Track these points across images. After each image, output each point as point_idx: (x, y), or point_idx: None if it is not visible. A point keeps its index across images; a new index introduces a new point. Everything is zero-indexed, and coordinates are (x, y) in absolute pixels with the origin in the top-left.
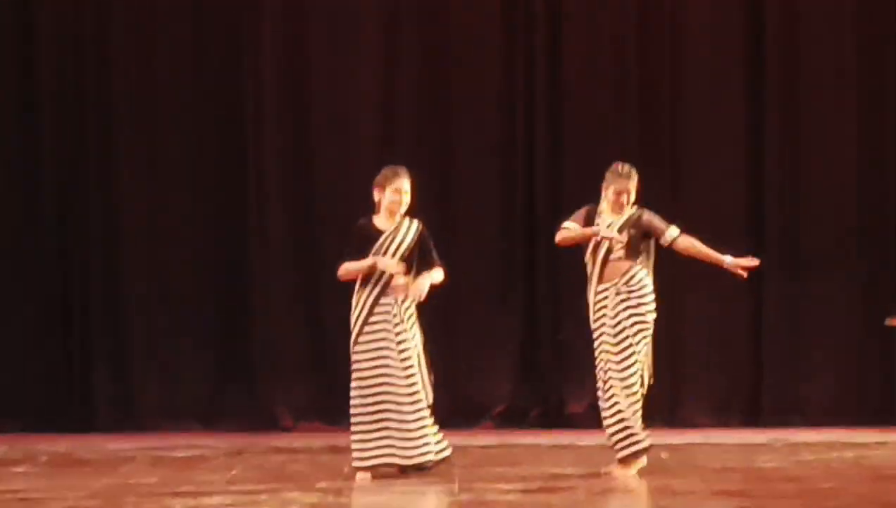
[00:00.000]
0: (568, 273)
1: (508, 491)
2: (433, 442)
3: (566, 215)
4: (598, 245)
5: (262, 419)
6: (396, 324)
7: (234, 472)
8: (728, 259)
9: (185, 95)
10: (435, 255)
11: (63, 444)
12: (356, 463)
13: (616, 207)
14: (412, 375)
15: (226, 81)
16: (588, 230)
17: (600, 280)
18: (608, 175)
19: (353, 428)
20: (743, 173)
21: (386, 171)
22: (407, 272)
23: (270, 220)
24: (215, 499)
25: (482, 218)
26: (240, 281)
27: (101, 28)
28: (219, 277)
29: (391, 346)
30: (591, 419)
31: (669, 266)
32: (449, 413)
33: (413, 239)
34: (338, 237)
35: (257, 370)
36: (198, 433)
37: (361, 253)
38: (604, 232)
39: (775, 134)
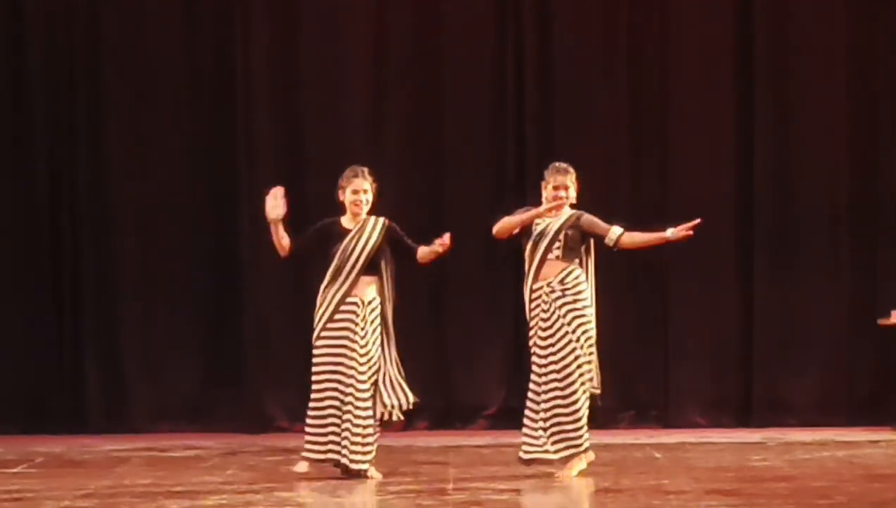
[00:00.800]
0: None
1: (502, 491)
2: (373, 452)
3: None
4: (538, 240)
5: (256, 420)
6: (362, 327)
7: (229, 472)
8: (670, 231)
9: (178, 95)
10: (409, 240)
11: (58, 445)
12: (305, 454)
13: (554, 202)
14: (370, 379)
15: (216, 78)
16: (529, 213)
17: (536, 278)
18: (546, 173)
19: (307, 421)
20: (732, 173)
21: (347, 171)
22: (376, 272)
23: (261, 220)
24: (210, 500)
25: (473, 217)
26: (232, 282)
27: (92, 19)
28: (211, 278)
29: (353, 347)
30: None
31: (657, 266)
32: (442, 414)
33: (379, 237)
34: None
35: (251, 370)
36: (192, 434)
37: (326, 250)
38: (545, 209)
39: (765, 133)
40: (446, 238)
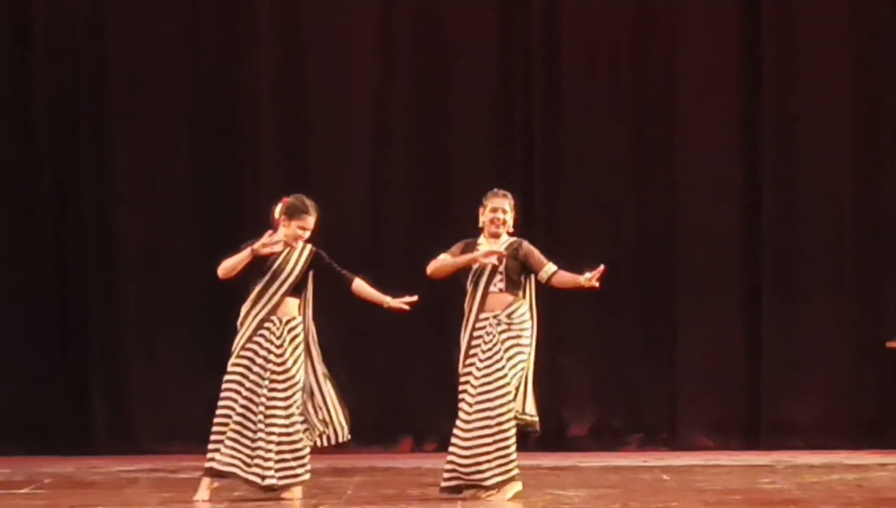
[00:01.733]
0: (566, 296)
1: None
2: (292, 467)
3: (564, 228)
4: (479, 274)
5: None
6: (278, 345)
7: (236, 493)
8: (583, 278)
9: (184, 111)
10: (339, 269)
11: (66, 466)
12: (209, 464)
13: (492, 227)
14: (291, 397)
15: (221, 96)
16: (463, 258)
17: (481, 310)
18: (485, 198)
19: (211, 437)
20: (739, 196)
21: (295, 202)
22: (300, 293)
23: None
24: None
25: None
26: (237, 304)
27: (97, 32)
28: (216, 300)
29: (268, 367)
30: (593, 442)
31: (665, 288)
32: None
33: (305, 263)
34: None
35: None
36: (200, 456)
37: (257, 269)
38: (482, 256)
39: (772, 156)
40: (408, 302)
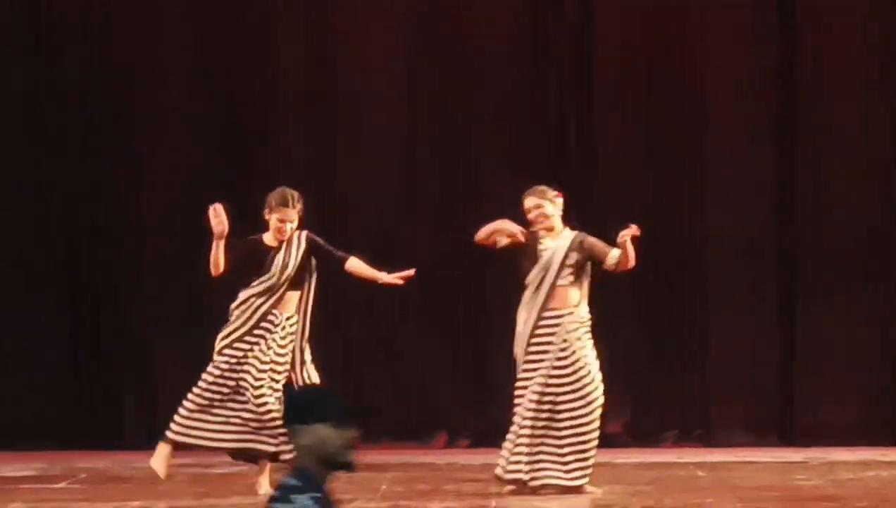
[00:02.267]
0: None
1: None
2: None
3: (595, 231)
4: (546, 268)
5: None
6: (280, 342)
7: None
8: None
9: (210, 114)
10: (331, 248)
11: (101, 461)
12: (171, 436)
13: (536, 224)
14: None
15: (247, 87)
16: (494, 227)
17: (546, 305)
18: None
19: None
20: (771, 196)
21: (275, 194)
22: (301, 285)
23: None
24: None
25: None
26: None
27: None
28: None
29: (264, 359)
30: (628, 439)
31: (700, 287)
32: (482, 431)
33: (303, 252)
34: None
35: None
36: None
37: (248, 267)
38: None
39: (807, 157)
40: (402, 276)
